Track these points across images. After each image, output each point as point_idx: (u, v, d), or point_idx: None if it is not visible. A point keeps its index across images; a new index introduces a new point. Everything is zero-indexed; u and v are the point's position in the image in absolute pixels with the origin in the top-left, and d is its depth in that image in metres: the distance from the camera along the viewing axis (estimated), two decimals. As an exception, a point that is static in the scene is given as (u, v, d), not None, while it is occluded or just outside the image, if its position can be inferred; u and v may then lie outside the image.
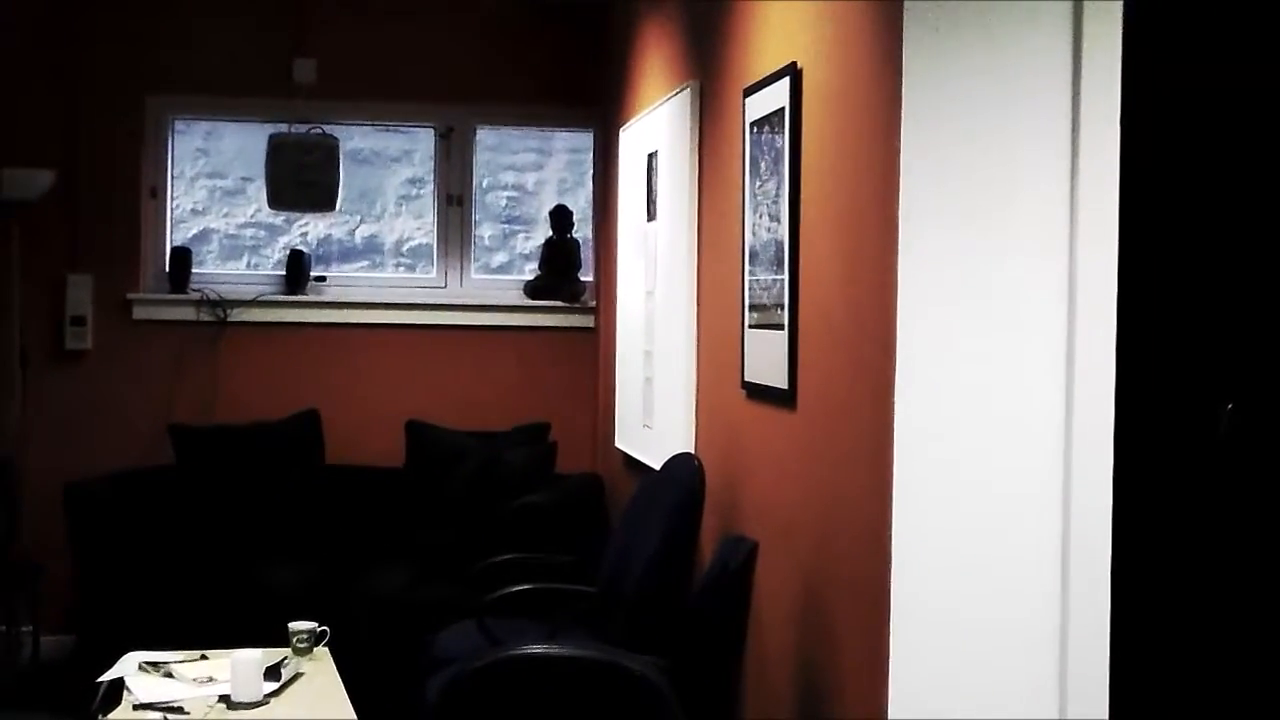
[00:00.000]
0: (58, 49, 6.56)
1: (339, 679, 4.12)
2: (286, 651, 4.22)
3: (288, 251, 6.84)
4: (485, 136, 7.03)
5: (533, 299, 6.94)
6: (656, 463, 4.93)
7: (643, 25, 5.92)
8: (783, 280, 3.81)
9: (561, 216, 6.92)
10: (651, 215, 5.49)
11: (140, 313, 6.67)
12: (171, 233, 6.82)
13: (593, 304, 6.92)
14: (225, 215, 6.92)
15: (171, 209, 6.82)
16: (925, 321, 3.05)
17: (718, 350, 4.58)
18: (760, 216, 4.03)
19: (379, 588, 5.77)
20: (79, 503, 5.88)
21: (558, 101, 6.93)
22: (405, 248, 7.04)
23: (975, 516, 3.07)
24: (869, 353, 3.21)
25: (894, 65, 3.07)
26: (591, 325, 6.93)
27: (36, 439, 6.44)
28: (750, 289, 4.14)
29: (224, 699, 3.84)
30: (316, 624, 4.33)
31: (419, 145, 7.02)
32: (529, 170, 7.15)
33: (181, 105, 6.78)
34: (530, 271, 7.04)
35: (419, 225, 7.03)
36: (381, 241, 7.03)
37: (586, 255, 6.99)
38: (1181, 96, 3.34)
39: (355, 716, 3.82)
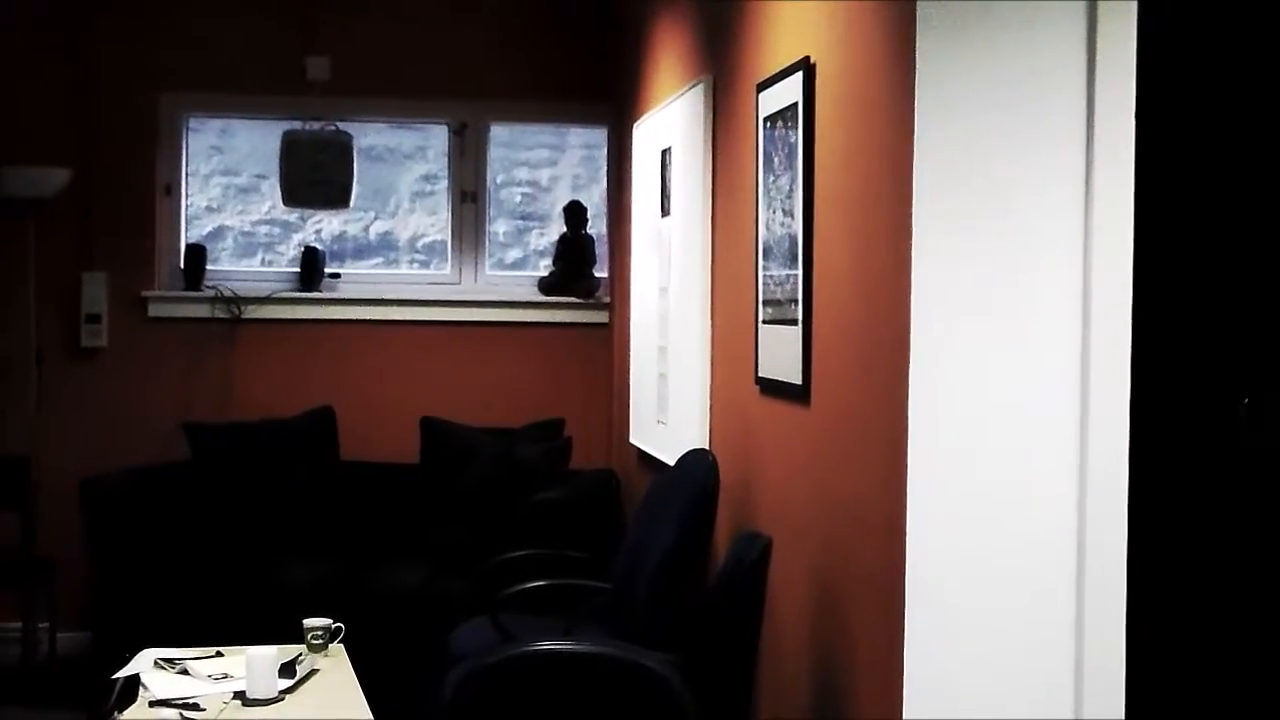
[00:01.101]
0: (71, 48, 6.57)
1: (354, 675, 4.11)
2: (301, 648, 4.22)
3: (302, 249, 6.84)
4: (499, 133, 7.03)
5: (547, 295, 6.94)
6: (671, 459, 4.93)
7: (656, 20, 5.92)
8: (796, 275, 3.80)
9: (576, 212, 6.91)
10: (666, 211, 5.48)
11: (155, 310, 6.68)
12: (186, 230, 6.83)
13: (607, 300, 6.92)
14: (240, 212, 6.93)
15: (186, 206, 6.83)
16: (939, 316, 3.04)
17: (732, 346, 4.58)
18: (774, 212, 4.02)
19: (394, 584, 5.78)
20: (95, 500, 5.90)
21: (571, 97, 6.92)
22: (419, 244, 7.04)
23: (990, 512, 3.06)
24: (883, 348, 3.20)
25: (907, 59, 3.06)
26: (606, 321, 6.92)
27: (52, 436, 6.46)
28: (764, 284, 4.13)
29: (239, 695, 3.84)
30: (331, 620, 4.33)
31: (433, 142, 7.02)
32: (543, 166, 7.14)
33: (195, 103, 6.79)
34: (544, 268, 7.04)
35: (433, 222, 7.03)
36: (396, 238, 7.03)
37: (601, 251, 6.99)
38: (1196, 90, 3.32)
39: (370, 713, 3.82)
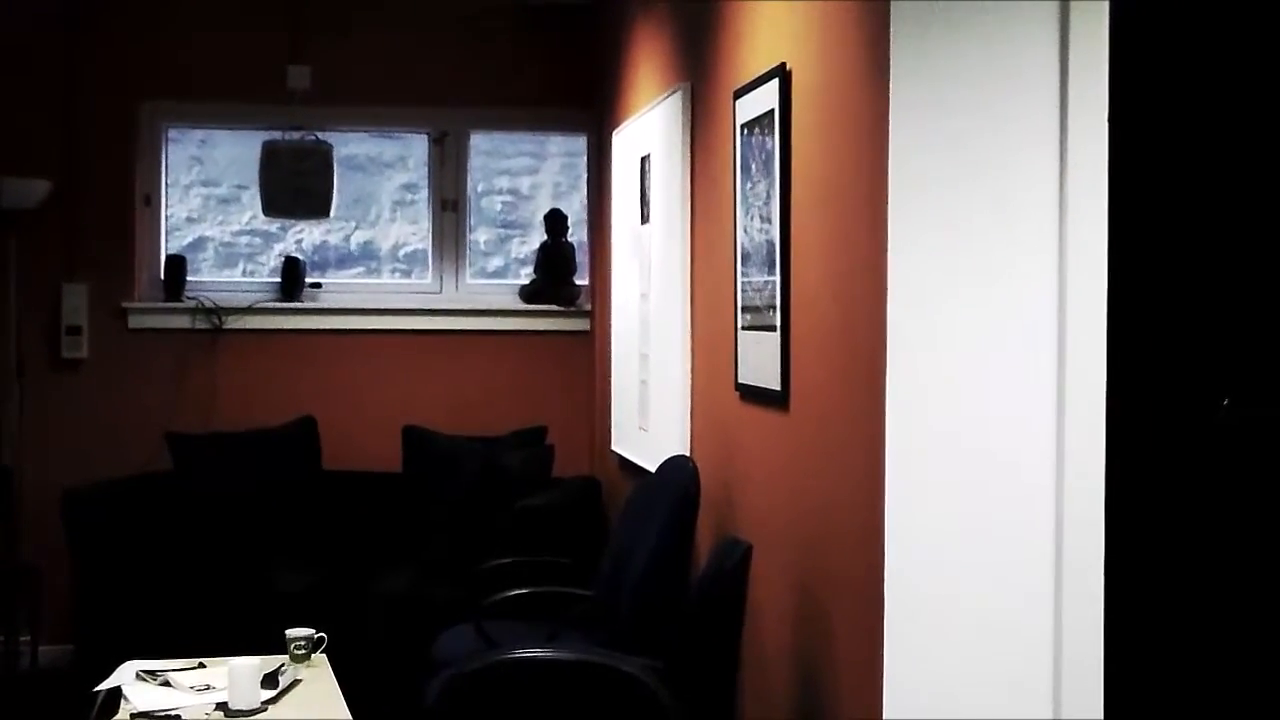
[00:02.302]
0: (51, 58, 6.56)
1: (337, 685, 4.11)
2: (284, 658, 4.22)
3: (283, 258, 6.84)
4: (479, 141, 7.04)
5: (528, 303, 6.95)
6: (652, 465, 4.93)
7: (634, 28, 5.93)
8: (774, 282, 3.81)
9: (556, 220, 6.92)
10: (645, 218, 5.49)
11: (136, 321, 6.67)
12: (166, 241, 6.82)
13: (588, 308, 6.92)
14: (220, 223, 6.93)
15: (166, 217, 6.82)
16: (916, 320, 3.06)
17: (712, 352, 4.59)
18: (752, 218, 4.03)
19: (378, 592, 5.78)
20: (77, 511, 5.88)
21: (551, 105, 6.93)
22: (400, 253, 7.04)
23: (968, 516, 3.07)
24: (861, 353, 3.21)
25: (882, 64, 3.08)
26: (587, 329, 6.93)
27: (35, 448, 6.45)
28: (743, 291, 4.14)
29: (221, 707, 3.83)
30: (314, 631, 4.33)
31: (413, 151, 7.02)
32: (523, 175, 7.15)
33: (175, 113, 6.79)
34: (525, 276, 7.04)
35: (414, 231, 7.03)
36: (377, 247, 7.03)
37: (581, 259, 7.00)
38: (1169, 90, 3.34)
39: (352, 722, 3.82)
